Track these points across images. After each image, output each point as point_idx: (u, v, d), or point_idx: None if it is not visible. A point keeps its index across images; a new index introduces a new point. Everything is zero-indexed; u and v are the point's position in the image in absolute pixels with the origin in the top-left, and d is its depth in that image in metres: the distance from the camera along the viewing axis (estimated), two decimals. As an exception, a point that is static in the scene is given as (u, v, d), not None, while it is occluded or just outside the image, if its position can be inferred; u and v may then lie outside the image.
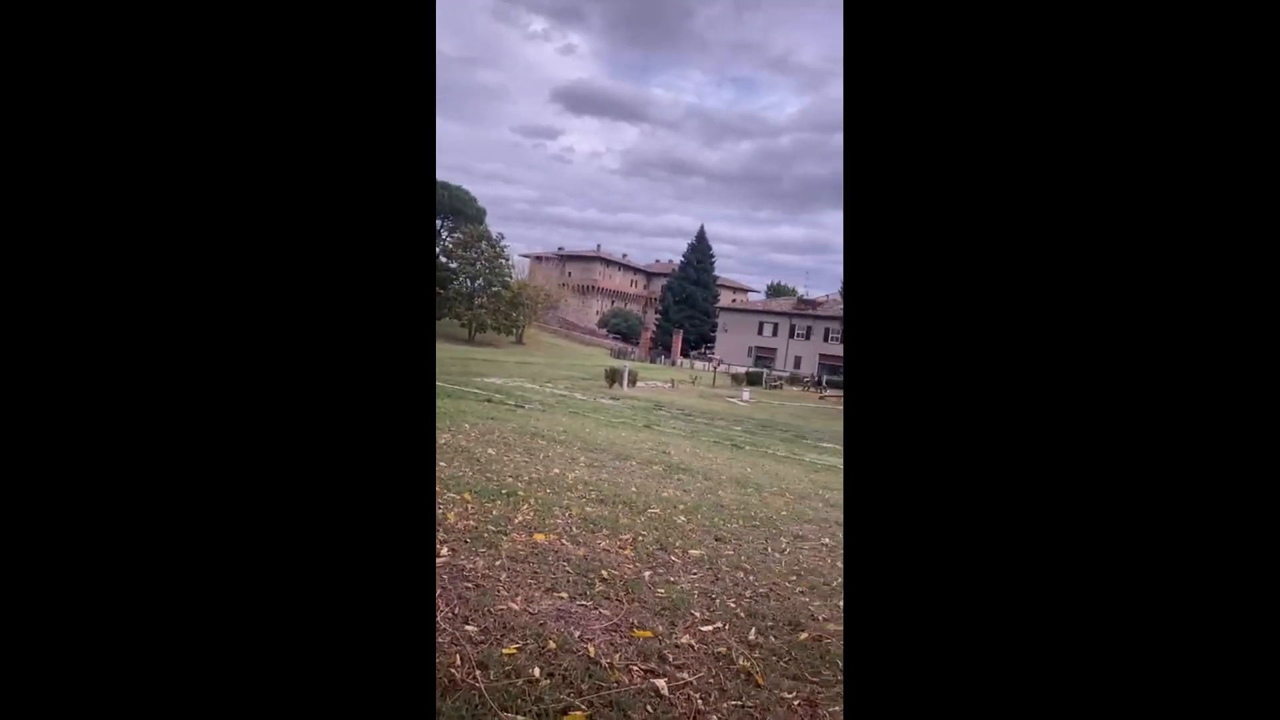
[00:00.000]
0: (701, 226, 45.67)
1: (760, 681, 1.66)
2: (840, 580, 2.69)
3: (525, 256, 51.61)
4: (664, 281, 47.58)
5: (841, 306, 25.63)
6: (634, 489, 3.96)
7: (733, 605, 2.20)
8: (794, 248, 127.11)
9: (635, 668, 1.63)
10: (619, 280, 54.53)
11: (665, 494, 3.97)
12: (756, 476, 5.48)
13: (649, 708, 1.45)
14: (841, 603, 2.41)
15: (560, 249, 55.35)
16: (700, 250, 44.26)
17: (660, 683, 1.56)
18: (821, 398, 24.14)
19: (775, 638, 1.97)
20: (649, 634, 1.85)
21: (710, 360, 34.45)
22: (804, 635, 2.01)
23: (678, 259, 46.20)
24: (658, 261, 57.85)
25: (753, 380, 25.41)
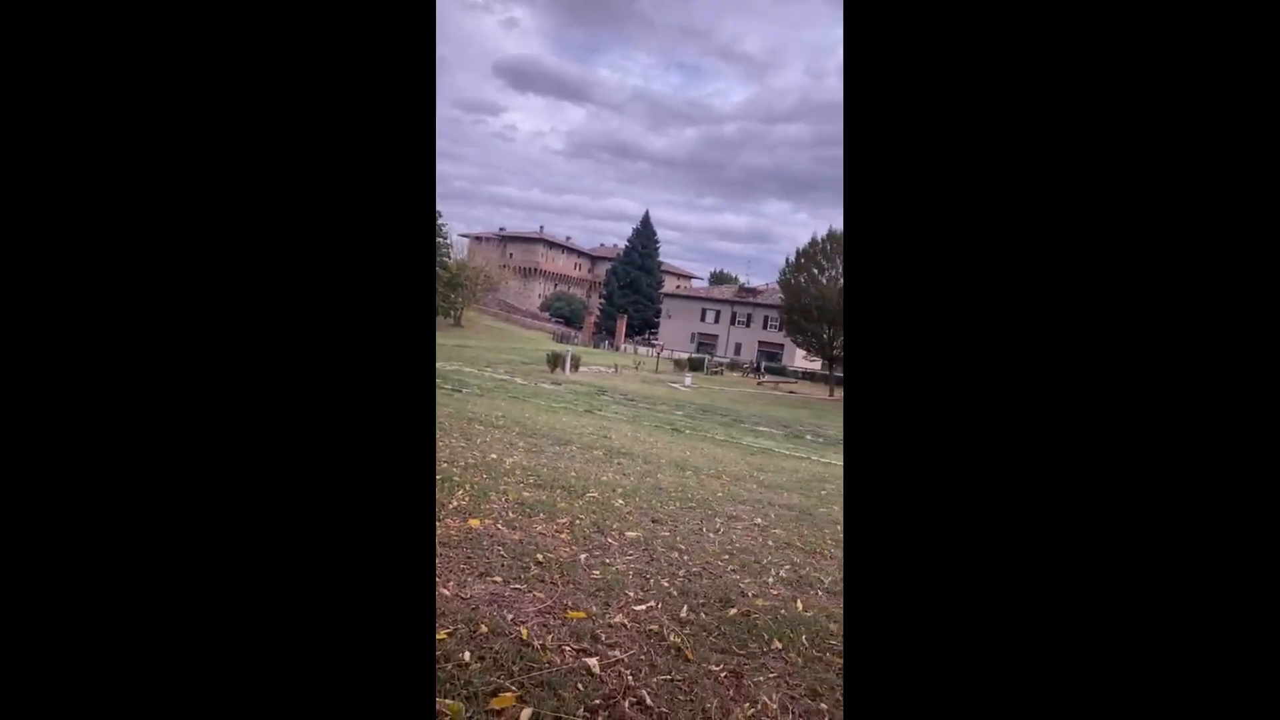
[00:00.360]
0: (646, 212, 45.80)
1: (690, 656, 1.72)
2: (770, 558, 2.81)
3: (465, 236, 49.99)
4: (608, 266, 47.37)
5: (780, 295, 26.37)
6: (573, 473, 3.97)
7: (666, 584, 2.25)
8: (736, 236, 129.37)
9: (568, 648, 1.65)
10: (562, 263, 53.84)
11: (604, 478, 4.00)
12: (695, 460, 5.61)
13: (580, 685, 1.47)
14: (770, 579, 2.52)
15: (501, 229, 54.01)
16: (645, 235, 44.31)
17: (592, 661, 1.59)
18: (759, 383, 24.87)
19: (706, 614, 2.04)
20: (582, 615, 1.87)
21: (654, 345, 34.73)
22: (733, 611, 2.09)
23: (622, 243, 46.10)
24: (602, 245, 57.47)
25: (695, 366, 25.83)
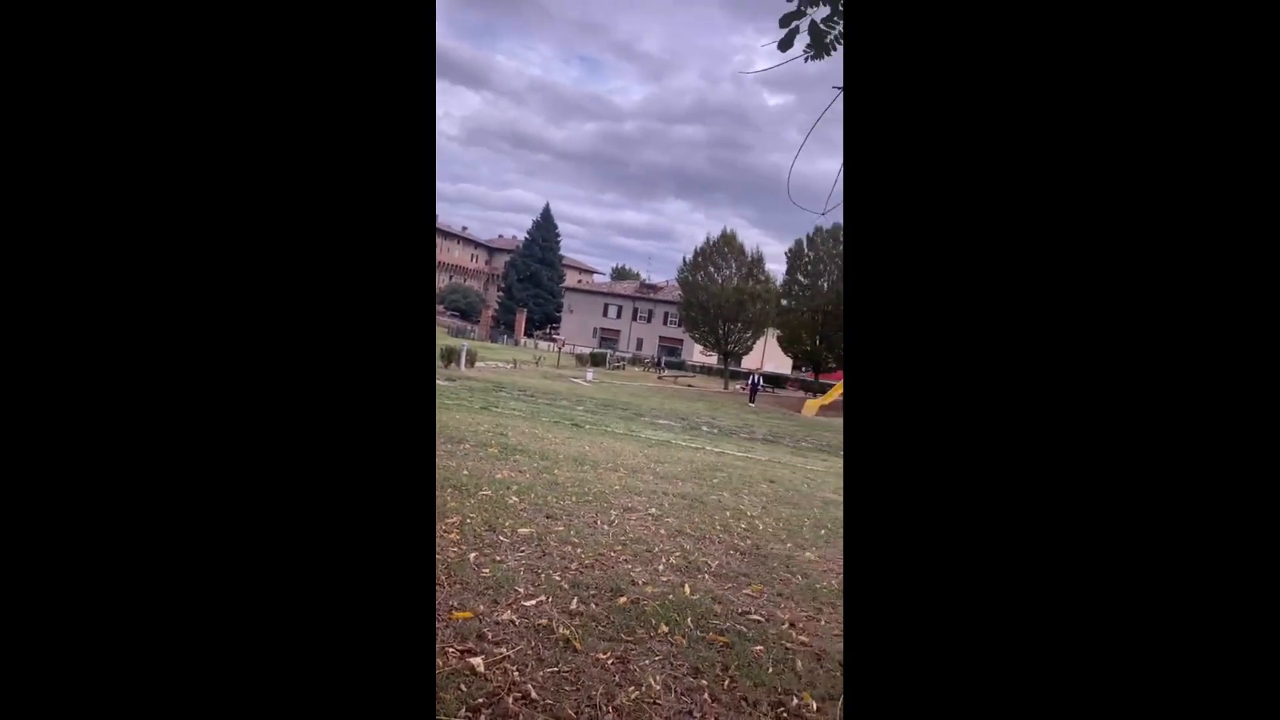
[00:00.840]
0: (547, 204, 45.05)
1: (578, 646, 1.74)
2: (661, 546, 2.90)
3: (350, 222, 46.38)
4: (507, 258, 46.16)
5: (679, 292, 27.10)
6: (466, 472, 3.85)
7: (558, 578, 2.26)
8: (637, 233, 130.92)
9: (451, 649, 1.61)
10: (458, 254, 51.70)
11: (499, 476, 3.92)
12: (594, 454, 5.63)
13: (462, 686, 1.45)
14: (661, 566, 2.61)
15: (392, 217, 50.67)
16: (546, 228, 43.64)
17: (477, 660, 1.56)
18: (660, 378, 25.44)
19: (596, 605, 2.07)
20: (468, 615, 1.83)
21: (555, 340, 34.35)
22: (623, 599, 2.14)
23: (522, 235, 45.09)
24: (500, 237, 55.88)
25: (596, 361, 25.90)
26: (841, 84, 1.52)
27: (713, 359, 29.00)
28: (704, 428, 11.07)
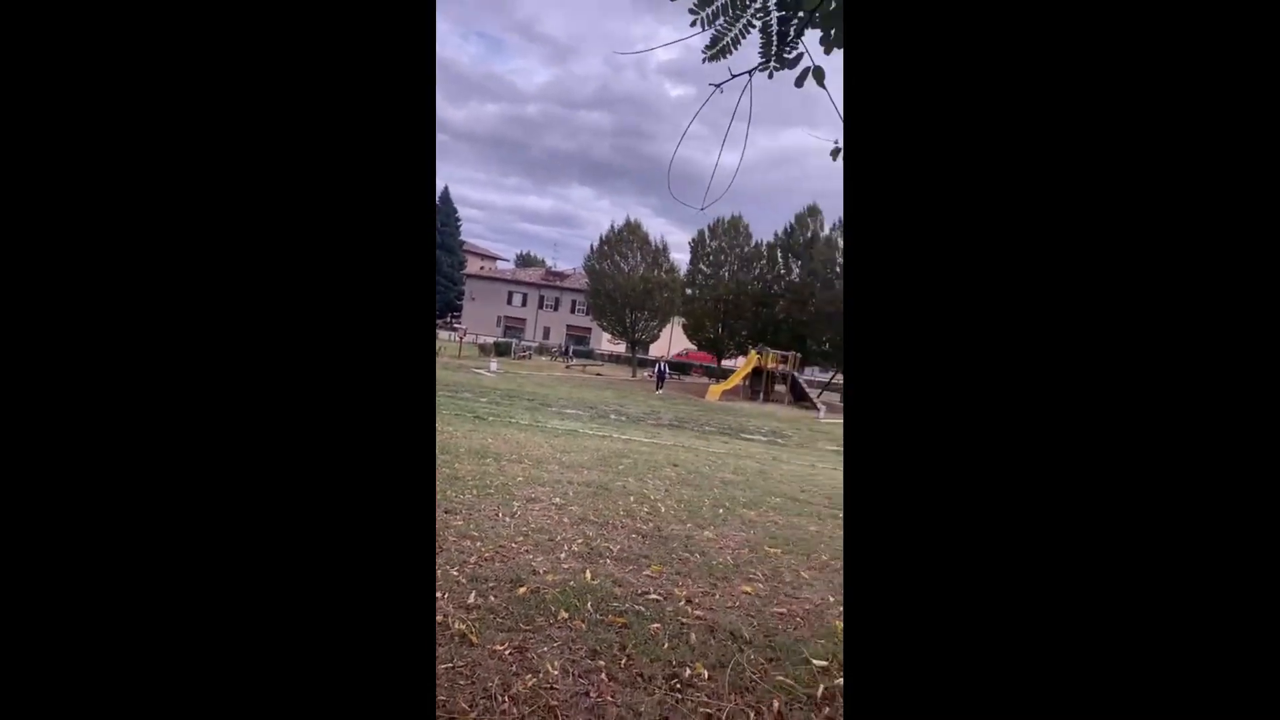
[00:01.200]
0: (445, 187, 42.86)
1: (475, 640, 1.72)
2: (564, 534, 2.92)
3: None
4: (404, 243, 43.52)
5: (586, 279, 26.98)
6: (356, 470, 3.64)
7: (455, 573, 2.21)
8: (542, 219, 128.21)
9: (336, 656, 1.54)
10: (349, 238, 48.03)
11: (393, 472, 3.74)
12: (497, 447, 5.51)
13: (348, 693, 1.39)
14: (563, 554, 2.62)
15: (269, 195, 46.14)
16: (445, 212, 41.62)
17: (364, 665, 1.50)
18: (568, 367, 25.29)
19: (495, 597, 2.05)
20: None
21: (457, 329, 33.04)
22: (523, 589, 2.14)
23: (420, 220, 42.68)
24: (397, 221, 52.54)
25: (501, 351, 25.26)
26: (719, 83, 1.59)
27: (621, 347, 29.25)
28: (612, 416, 11.17)
